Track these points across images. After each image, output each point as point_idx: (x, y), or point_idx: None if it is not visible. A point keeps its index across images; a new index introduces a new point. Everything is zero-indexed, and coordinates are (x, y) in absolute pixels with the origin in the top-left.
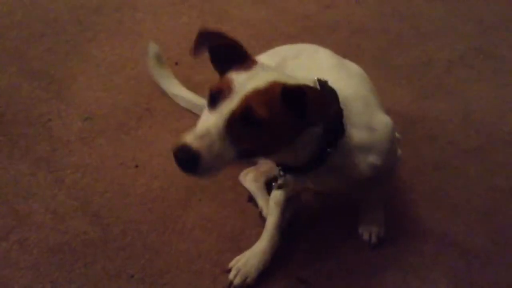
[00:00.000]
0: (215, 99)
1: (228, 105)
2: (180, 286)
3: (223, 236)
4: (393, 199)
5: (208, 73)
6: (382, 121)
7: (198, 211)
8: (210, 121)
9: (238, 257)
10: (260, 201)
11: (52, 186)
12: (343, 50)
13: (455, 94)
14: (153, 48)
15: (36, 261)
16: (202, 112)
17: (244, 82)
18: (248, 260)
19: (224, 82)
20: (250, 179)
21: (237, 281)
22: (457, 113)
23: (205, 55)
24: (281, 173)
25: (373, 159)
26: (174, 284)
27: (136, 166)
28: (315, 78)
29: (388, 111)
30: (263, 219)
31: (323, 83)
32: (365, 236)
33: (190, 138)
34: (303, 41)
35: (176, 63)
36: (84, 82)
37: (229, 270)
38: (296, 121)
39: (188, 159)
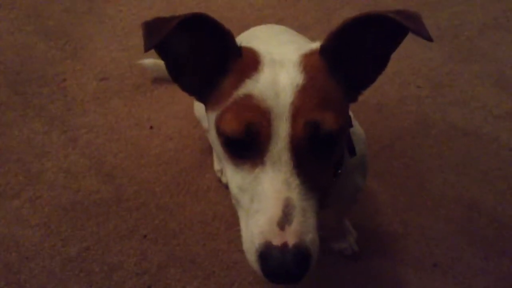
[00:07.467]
0: (245, 142)
1: (281, 138)
2: (194, 247)
3: None
4: (419, 164)
5: None
6: (360, 133)
7: (213, 173)
8: (276, 181)
9: None
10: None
11: (66, 145)
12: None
13: (488, 57)
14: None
15: (47, 219)
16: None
17: (275, 87)
18: None
19: (249, 106)
20: None
21: None
22: (489, 77)
23: None
24: None
25: (359, 180)
26: (188, 245)
27: (151, 127)
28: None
29: (415, 74)
30: None
31: None
32: (347, 252)
33: (291, 234)
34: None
35: None
36: (100, 43)
37: None
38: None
39: (301, 263)
